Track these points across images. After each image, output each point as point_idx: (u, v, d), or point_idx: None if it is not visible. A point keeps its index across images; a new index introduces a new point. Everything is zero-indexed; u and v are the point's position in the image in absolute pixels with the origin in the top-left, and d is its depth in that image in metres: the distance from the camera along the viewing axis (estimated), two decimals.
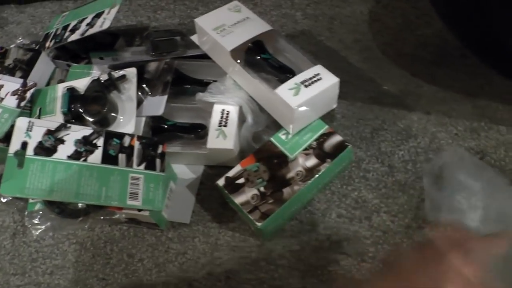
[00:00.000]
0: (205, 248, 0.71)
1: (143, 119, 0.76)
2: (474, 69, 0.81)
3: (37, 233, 0.75)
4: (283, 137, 0.71)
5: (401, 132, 0.76)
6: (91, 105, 0.74)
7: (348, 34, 0.90)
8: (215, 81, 0.78)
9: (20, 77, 0.84)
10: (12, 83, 0.82)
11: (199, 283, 0.69)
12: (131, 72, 0.77)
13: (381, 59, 0.86)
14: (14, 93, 0.81)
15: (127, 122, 0.74)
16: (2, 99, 0.80)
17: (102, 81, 0.75)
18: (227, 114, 0.74)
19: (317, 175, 0.67)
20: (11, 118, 0.78)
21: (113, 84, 0.76)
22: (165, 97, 0.78)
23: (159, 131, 0.77)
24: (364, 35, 0.90)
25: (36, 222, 0.73)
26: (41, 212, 0.72)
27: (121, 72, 0.77)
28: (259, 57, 0.76)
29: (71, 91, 0.75)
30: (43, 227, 0.75)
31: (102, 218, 0.71)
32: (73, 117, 0.73)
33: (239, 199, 0.67)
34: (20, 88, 0.81)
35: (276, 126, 0.75)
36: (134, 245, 0.73)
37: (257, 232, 0.68)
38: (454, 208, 0.59)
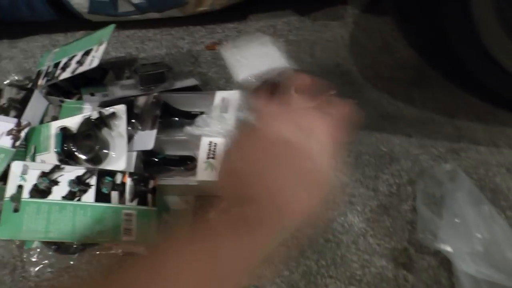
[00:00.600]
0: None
1: (134, 154, 0.79)
2: (452, 89, 0.84)
3: (36, 269, 0.77)
4: None
5: (384, 156, 0.79)
6: (83, 143, 0.76)
7: (328, 58, 0.93)
8: (202, 112, 0.81)
9: (14, 116, 0.87)
10: (7, 123, 0.84)
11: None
12: (121, 109, 0.80)
13: (361, 83, 0.89)
14: (8, 133, 0.83)
15: (119, 158, 0.77)
16: None
17: (93, 120, 0.78)
18: (215, 146, 0.76)
19: None
20: (7, 158, 0.80)
21: (103, 122, 0.78)
22: (155, 131, 0.80)
23: (150, 165, 0.79)
24: (345, 59, 0.93)
25: (34, 260, 0.76)
26: (38, 250, 0.74)
27: (111, 110, 0.79)
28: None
29: (64, 130, 0.77)
30: (42, 264, 0.77)
31: (98, 253, 0.73)
32: (66, 156, 0.75)
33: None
34: (15, 128, 0.84)
35: None
36: None
37: None
38: (450, 234, 0.61)
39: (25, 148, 0.84)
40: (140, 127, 0.81)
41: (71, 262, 0.78)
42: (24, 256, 0.78)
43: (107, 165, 0.77)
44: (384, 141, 0.81)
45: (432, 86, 0.85)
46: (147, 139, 0.80)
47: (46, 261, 0.75)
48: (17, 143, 0.82)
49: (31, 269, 0.77)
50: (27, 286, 0.78)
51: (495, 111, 0.80)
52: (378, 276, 0.69)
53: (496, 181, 0.74)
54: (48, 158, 0.81)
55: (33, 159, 0.82)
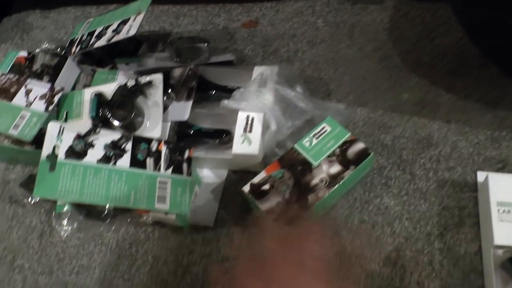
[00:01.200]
0: (229, 253, 0.72)
1: (169, 124, 0.78)
2: (493, 79, 0.82)
3: (64, 234, 0.77)
4: (307, 144, 0.72)
5: (422, 141, 0.77)
6: (118, 110, 0.75)
7: (368, 42, 0.92)
8: (239, 87, 0.80)
9: (48, 82, 0.86)
10: (40, 88, 0.84)
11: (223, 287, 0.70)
12: (157, 78, 0.79)
13: (401, 67, 0.87)
14: (42, 97, 0.83)
15: (154, 127, 0.76)
16: (31, 103, 0.82)
17: (129, 87, 0.77)
18: (252, 120, 0.75)
19: (341, 182, 0.68)
20: (40, 122, 0.80)
21: (139, 89, 0.77)
22: (190, 102, 0.79)
23: (184, 136, 0.79)
24: (384, 44, 0.91)
25: (63, 223, 0.75)
26: (69, 214, 0.74)
27: (147, 78, 0.79)
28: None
29: (99, 96, 0.77)
30: (70, 228, 0.77)
31: (128, 220, 0.72)
32: (100, 121, 0.75)
33: (264, 205, 0.68)
34: (48, 93, 0.83)
35: (299, 134, 0.76)
36: (159, 247, 0.75)
37: None
38: None
39: (56, 114, 0.84)
40: (175, 98, 0.80)
41: (101, 229, 0.77)
42: (53, 221, 0.78)
43: (142, 134, 0.76)
44: (422, 126, 0.79)
45: (473, 75, 0.83)
46: (182, 110, 0.79)
47: (75, 226, 0.75)
48: (50, 108, 0.82)
49: (60, 233, 0.77)
50: (54, 251, 0.78)
51: None
52: (413, 260, 0.67)
53: None
54: (80, 124, 0.80)
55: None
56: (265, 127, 0.76)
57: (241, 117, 0.76)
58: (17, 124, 0.80)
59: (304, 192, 0.68)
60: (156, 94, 0.78)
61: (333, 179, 0.69)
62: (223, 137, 0.78)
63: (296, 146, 0.72)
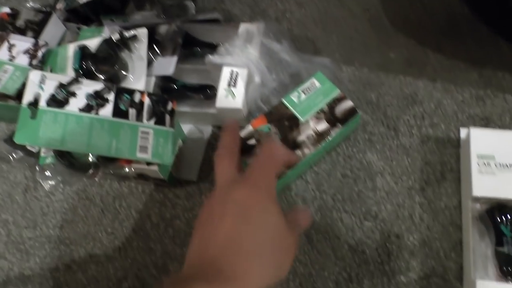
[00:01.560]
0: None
1: (153, 79, 0.78)
2: (481, 38, 0.82)
3: (48, 186, 0.77)
4: (295, 99, 0.71)
5: (407, 98, 0.77)
6: (102, 63, 0.75)
7: (357, 3, 0.91)
8: (225, 44, 0.79)
9: (31, 37, 0.85)
10: (24, 42, 0.84)
11: (193, 228, 0.70)
12: (142, 32, 0.78)
13: (389, 28, 0.87)
14: (25, 52, 0.82)
15: (137, 81, 0.76)
16: (14, 57, 0.82)
17: (114, 41, 0.76)
18: (236, 75, 0.75)
19: (327, 140, 0.68)
20: (23, 76, 0.80)
21: (124, 43, 0.77)
22: (175, 58, 0.79)
23: (168, 91, 0.78)
24: (373, 5, 0.90)
25: (47, 175, 0.75)
26: (52, 166, 0.73)
27: (132, 32, 0.78)
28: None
29: (83, 49, 0.76)
30: (54, 181, 0.77)
31: (111, 172, 0.72)
32: (84, 74, 0.74)
33: (250, 160, 0.68)
34: (32, 47, 0.83)
35: (284, 89, 0.76)
36: (142, 201, 0.75)
37: None
38: None
39: (41, 69, 0.83)
40: (160, 54, 0.80)
41: (83, 182, 0.77)
42: (37, 173, 0.78)
43: (125, 86, 0.75)
44: (408, 84, 0.79)
45: (461, 35, 0.83)
46: (167, 65, 0.78)
47: (59, 178, 0.75)
48: (34, 62, 0.81)
49: (44, 185, 0.77)
50: (38, 206, 0.78)
51: None
52: (393, 214, 0.68)
53: None
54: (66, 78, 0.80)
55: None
56: (250, 81, 0.76)
57: (225, 71, 0.75)
58: None
59: (290, 148, 0.68)
60: (141, 48, 0.78)
61: (320, 136, 0.68)
62: (208, 92, 0.77)
63: (284, 100, 0.72)
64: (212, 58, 0.76)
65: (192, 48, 0.82)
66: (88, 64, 0.74)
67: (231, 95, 0.73)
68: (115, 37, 0.77)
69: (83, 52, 0.76)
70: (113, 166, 0.71)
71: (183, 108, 0.77)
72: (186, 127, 0.79)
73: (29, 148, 0.79)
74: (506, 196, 0.61)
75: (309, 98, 0.71)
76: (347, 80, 0.80)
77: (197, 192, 0.74)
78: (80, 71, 0.74)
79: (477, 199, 0.63)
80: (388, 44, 0.85)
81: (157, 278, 0.69)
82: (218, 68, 0.77)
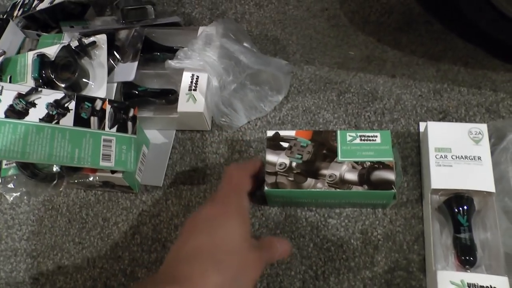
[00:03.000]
0: (178, 210, 0.73)
1: (115, 85, 0.77)
2: (437, 35, 0.84)
3: (12, 199, 0.76)
4: (348, 138, 0.68)
5: (367, 95, 0.79)
6: (62, 71, 0.74)
7: (315, 3, 0.92)
8: (183, 47, 0.79)
9: None
10: None
11: (172, 244, 0.70)
12: (102, 38, 0.78)
13: (348, 26, 0.88)
14: None
15: (99, 88, 0.75)
16: None
17: (73, 48, 0.76)
18: (197, 79, 0.75)
19: (344, 189, 0.64)
20: None
21: (83, 50, 0.76)
22: (136, 63, 0.78)
23: (130, 97, 0.78)
24: (332, 4, 0.91)
25: (10, 187, 0.74)
26: (15, 177, 0.72)
27: (92, 39, 0.77)
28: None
29: (42, 57, 0.75)
30: (18, 193, 0.76)
31: (76, 181, 0.72)
32: (44, 83, 0.73)
33: (270, 156, 0.67)
34: None
35: (243, 90, 0.77)
36: (109, 209, 0.75)
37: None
38: None
39: (0, 78, 0.82)
40: (121, 59, 0.79)
41: (48, 192, 0.77)
42: (0, 186, 0.76)
43: (87, 94, 0.75)
44: (368, 81, 0.80)
45: (418, 31, 0.85)
46: (128, 70, 0.78)
47: (22, 189, 0.74)
48: None
49: (7, 198, 0.76)
50: (3, 219, 0.77)
51: (479, 56, 0.81)
52: (357, 210, 0.69)
53: (475, 121, 0.74)
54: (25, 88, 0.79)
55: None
56: (210, 85, 0.76)
57: (186, 76, 0.76)
58: None
59: (309, 173, 0.66)
60: (101, 55, 0.77)
61: (341, 183, 0.65)
62: (169, 96, 0.77)
63: (339, 132, 0.68)
64: (171, 62, 0.76)
65: (152, 53, 0.82)
66: (48, 72, 0.73)
67: (192, 99, 0.74)
68: (74, 44, 0.76)
69: (42, 60, 0.75)
70: (77, 175, 0.71)
71: (146, 113, 0.77)
72: (150, 133, 0.79)
73: None
74: (462, 187, 0.63)
75: (361, 146, 0.67)
76: (308, 80, 0.82)
77: (163, 198, 0.74)
78: (40, 79, 0.73)
79: (436, 191, 0.65)
80: (348, 42, 0.86)
81: (125, 286, 0.68)
82: (179, 72, 0.77)
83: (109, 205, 0.75)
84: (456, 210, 0.63)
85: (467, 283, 0.57)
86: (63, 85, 0.73)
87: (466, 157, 0.65)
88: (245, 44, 0.77)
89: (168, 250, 0.69)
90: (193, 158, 0.76)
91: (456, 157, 0.65)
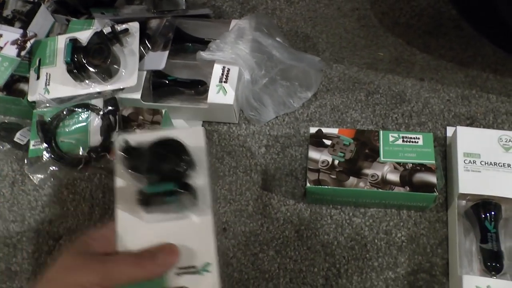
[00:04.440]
0: None
1: (144, 73, 0.77)
2: (467, 40, 0.84)
3: (37, 181, 0.76)
4: (391, 139, 0.68)
5: (395, 97, 0.79)
6: (94, 57, 0.74)
7: (346, 3, 0.92)
8: (214, 39, 0.79)
9: (20, 28, 0.84)
10: (11, 33, 0.82)
11: None
12: (134, 26, 0.78)
13: (378, 27, 0.88)
14: (13, 42, 0.81)
15: (129, 76, 0.75)
16: (1, 48, 0.81)
17: (105, 34, 0.76)
18: (228, 71, 0.75)
19: (384, 191, 0.64)
20: (11, 67, 0.79)
21: (116, 37, 0.76)
22: (167, 52, 0.79)
23: (159, 86, 0.78)
24: (362, 4, 0.91)
25: (36, 169, 0.75)
26: (41, 159, 0.73)
27: (124, 26, 0.78)
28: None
29: (74, 41, 0.75)
30: (43, 175, 0.76)
31: (102, 166, 0.72)
32: (75, 67, 0.74)
33: (312, 153, 0.67)
34: (20, 38, 0.82)
35: (274, 86, 0.77)
36: None
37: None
38: None
39: (29, 61, 0.82)
40: (151, 48, 0.80)
41: (73, 176, 0.77)
42: (26, 167, 0.77)
43: (117, 82, 0.75)
44: (396, 83, 0.80)
45: (448, 36, 0.85)
46: (158, 59, 0.78)
47: (47, 171, 0.74)
48: (23, 53, 0.80)
49: (32, 179, 0.76)
50: (26, 199, 0.77)
51: (509, 64, 0.80)
52: (382, 211, 0.69)
53: (504, 128, 0.74)
54: (54, 71, 0.79)
55: (38, 72, 0.80)
56: (241, 78, 0.76)
57: (217, 68, 0.76)
58: None
59: (351, 171, 0.66)
60: (133, 43, 0.77)
61: (383, 183, 0.65)
62: (199, 87, 0.77)
63: (382, 132, 0.68)
64: (203, 54, 0.76)
65: (183, 43, 0.82)
66: (80, 57, 0.74)
67: (223, 91, 0.74)
68: (107, 30, 0.77)
69: (74, 45, 0.75)
70: (104, 160, 0.71)
71: (174, 103, 0.77)
72: (177, 123, 0.79)
73: (17, 140, 0.78)
74: (491, 193, 0.63)
75: (403, 147, 0.67)
76: (337, 79, 0.82)
77: None
78: (72, 64, 0.74)
79: (463, 196, 0.65)
80: (377, 43, 0.86)
81: None
82: (209, 64, 0.77)
83: None
84: (483, 215, 0.63)
85: None
86: (94, 70, 0.74)
87: (495, 163, 0.65)
88: (277, 39, 0.77)
89: None
90: (219, 150, 0.77)
91: (485, 163, 0.65)
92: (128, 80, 0.75)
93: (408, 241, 0.67)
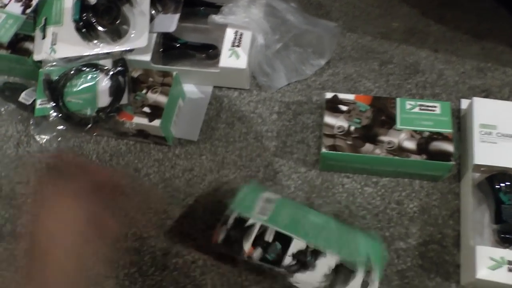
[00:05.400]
0: (212, 166, 0.72)
1: (154, 35, 0.76)
2: (484, 12, 0.82)
3: (42, 142, 0.75)
4: (407, 106, 0.66)
5: (409, 67, 0.77)
6: (103, 16, 0.72)
7: None
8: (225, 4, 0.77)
9: None
10: None
11: (204, 199, 0.70)
12: None
13: None
14: (18, 0, 0.79)
15: (139, 36, 0.73)
16: (6, 4, 0.78)
17: None
18: (241, 35, 0.74)
19: (402, 158, 0.63)
20: (16, 25, 0.77)
21: None
22: (178, 15, 0.77)
23: (169, 49, 0.76)
24: None
25: (41, 129, 0.73)
26: (50, 119, 0.71)
27: None
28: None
29: (82, 0, 0.73)
30: (48, 136, 0.75)
31: (110, 128, 0.71)
32: (84, 26, 0.72)
33: (328, 118, 0.66)
34: None
35: (286, 52, 0.75)
36: (140, 160, 0.74)
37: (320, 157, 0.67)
38: None
39: (34, 19, 0.80)
40: (162, 10, 0.77)
41: (79, 137, 0.76)
42: (32, 127, 0.75)
43: (127, 42, 0.73)
44: (410, 54, 0.79)
45: (464, 8, 0.83)
46: (169, 21, 0.76)
47: (53, 132, 0.73)
48: (28, 11, 0.78)
49: (38, 140, 0.75)
50: (31, 161, 0.76)
51: None
52: (394, 180, 0.69)
53: None
54: (61, 31, 0.77)
55: (43, 31, 0.78)
56: (254, 43, 0.74)
57: (230, 32, 0.74)
58: None
59: (367, 138, 0.65)
60: (143, 3, 0.75)
61: (399, 151, 0.63)
62: (210, 51, 0.76)
63: (398, 100, 0.67)
64: (215, 17, 0.75)
65: (194, 7, 0.80)
66: (88, 15, 0.72)
67: (235, 55, 0.72)
68: None
69: (83, 3, 0.73)
70: (112, 121, 0.70)
71: (184, 66, 0.76)
72: (187, 87, 0.77)
73: (22, 100, 0.76)
74: (506, 164, 0.62)
75: (420, 115, 0.66)
76: (350, 48, 0.80)
77: (197, 153, 0.73)
78: (80, 22, 0.72)
79: (478, 167, 0.64)
80: (391, 13, 0.84)
81: (156, 238, 0.68)
82: (221, 28, 0.75)
83: (141, 155, 0.74)
84: (498, 187, 0.62)
85: (507, 261, 0.56)
86: (103, 30, 0.72)
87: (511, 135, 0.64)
88: (292, 4, 0.75)
89: (200, 204, 0.69)
90: (230, 115, 0.75)
91: (502, 134, 0.64)
92: (138, 41, 0.73)
93: (419, 212, 0.66)
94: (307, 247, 0.56)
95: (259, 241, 0.57)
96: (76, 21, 0.71)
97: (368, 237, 0.58)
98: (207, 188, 0.70)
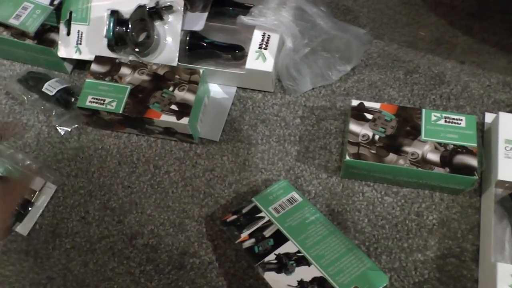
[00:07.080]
0: (233, 167, 0.72)
1: (181, 33, 0.75)
2: (511, 25, 0.82)
3: (63, 132, 0.75)
4: (433, 118, 0.66)
5: (435, 78, 0.77)
6: (136, 33, 0.72)
7: None
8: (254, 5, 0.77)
9: None
10: None
11: (224, 200, 0.70)
12: (178, 2, 0.74)
13: (420, 6, 0.86)
14: None
15: (168, 56, 0.75)
16: None
17: (147, 9, 0.73)
18: (268, 38, 0.73)
19: (424, 170, 0.63)
20: (43, 15, 0.77)
21: (157, 12, 0.74)
22: (206, 14, 0.77)
23: (196, 47, 0.76)
24: None
25: (63, 121, 0.73)
26: (70, 112, 0.71)
27: (168, 2, 0.74)
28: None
29: (116, 14, 0.72)
30: (70, 128, 0.75)
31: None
32: (116, 42, 0.72)
33: (353, 126, 0.66)
34: None
35: (314, 57, 0.75)
36: (161, 157, 0.74)
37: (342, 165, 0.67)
38: None
39: (57, 11, 0.80)
40: (190, 9, 0.77)
41: (102, 133, 0.76)
42: (54, 119, 0.76)
43: (155, 59, 0.74)
44: (436, 64, 0.78)
45: (493, 19, 0.83)
46: (196, 20, 0.76)
47: (76, 125, 0.73)
48: (56, 2, 0.78)
49: (59, 131, 0.75)
50: (52, 152, 0.76)
51: None
52: (414, 192, 0.68)
53: None
54: (87, 31, 0.77)
55: (68, 26, 0.78)
56: (281, 46, 0.74)
57: (257, 33, 0.74)
58: (18, 14, 0.77)
59: (391, 148, 0.64)
60: (176, 21, 0.75)
61: (423, 162, 0.63)
62: (236, 52, 0.75)
63: (424, 111, 0.67)
64: (244, 18, 0.74)
65: (223, 7, 0.80)
66: (122, 32, 0.71)
67: (262, 57, 0.72)
68: (150, 5, 0.74)
69: (116, 18, 0.72)
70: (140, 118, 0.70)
71: (210, 66, 0.75)
72: (211, 87, 0.77)
73: (45, 91, 0.76)
74: None
75: (445, 127, 0.65)
76: (376, 55, 0.80)
77: (218, 153, 0.73)
78: (113, 39, 0.72)
79: (501, 183, 0.64)
80: (419, 22, 0.84)
81: (173, 237, 0.68)
82: (249, 29, 0.75)
83: (162, 153, 0.74)
84: None
85: None
86: (136, 50, 0.72)
87: None
88: (322, 8, 0.75)
89: (220, 206, 0.69)
90: (253, 117, 0.75)
91: None
92: (166, 59, 0.74)
93: (439, 225, 0.66)
94: (297, 252, 0.58)
95: (257, 233, 0.61)
96: (109, 39, 0.71)
97: (375, 275, 0.57)
98: (228, 189, 0.71)
